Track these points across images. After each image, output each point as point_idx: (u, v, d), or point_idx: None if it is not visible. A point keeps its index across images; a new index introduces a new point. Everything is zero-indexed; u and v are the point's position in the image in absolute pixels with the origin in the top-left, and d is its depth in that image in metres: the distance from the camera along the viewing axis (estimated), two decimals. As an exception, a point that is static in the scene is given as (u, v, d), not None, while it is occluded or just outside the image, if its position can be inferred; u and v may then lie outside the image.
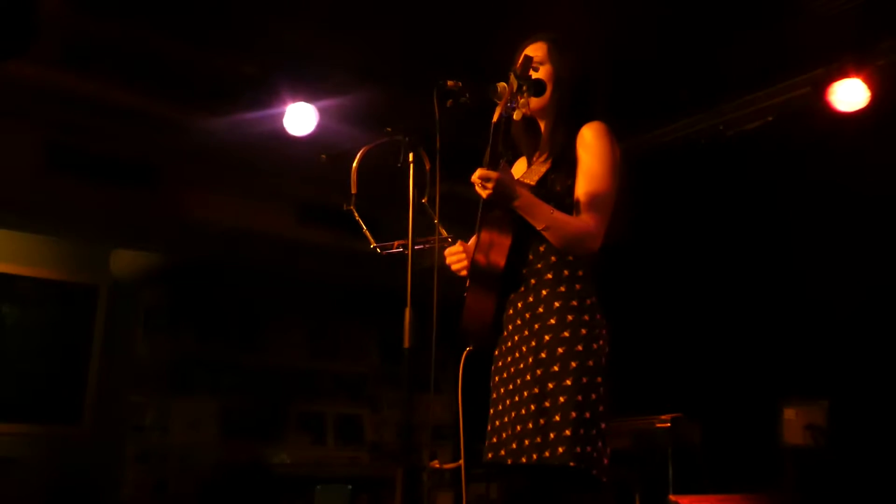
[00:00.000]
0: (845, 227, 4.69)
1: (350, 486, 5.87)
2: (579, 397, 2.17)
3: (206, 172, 5.61)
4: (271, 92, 4.64)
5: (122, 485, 5.87)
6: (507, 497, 2.39)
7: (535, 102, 2.38)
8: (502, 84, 2.32)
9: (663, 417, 4.62)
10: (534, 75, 2.30)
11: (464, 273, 2.47)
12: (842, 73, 4.34)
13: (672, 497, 4.10)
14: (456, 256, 2.50)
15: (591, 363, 2.21)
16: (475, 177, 2.21)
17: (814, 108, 4.52)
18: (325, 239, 5.85)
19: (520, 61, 2.25)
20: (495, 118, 2.25)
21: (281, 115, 4.72)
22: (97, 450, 5.75)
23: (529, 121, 2.49)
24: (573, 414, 2.15)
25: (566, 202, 2.31)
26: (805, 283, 4.86)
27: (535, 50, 2.47)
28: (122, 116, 4.91)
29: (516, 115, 2.26)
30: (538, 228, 2.26)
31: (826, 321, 4.71)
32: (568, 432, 2.13)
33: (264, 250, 6.14)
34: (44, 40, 4.11)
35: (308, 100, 4.70)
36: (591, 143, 2.35)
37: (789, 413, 4.83)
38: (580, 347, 2.22)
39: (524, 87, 2.24)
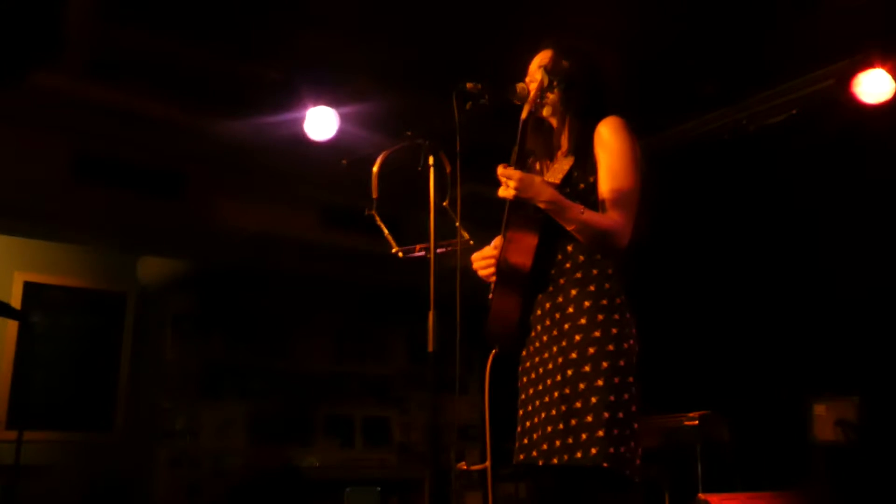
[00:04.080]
0: (873, 220, 4.63)
1: (379, 488, 5.89)
2: (611, 397, 2.16)
3: (230, 179, 5.66)
4: (293, 97, 4.66)
5: (155, 490, 5.93)
6: (538, 497, 2.38)
7: (552, 101, 2.38)
8: (521, 85, 2.32)
9: (692, 415, 4.58)
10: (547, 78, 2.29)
11: (492, 279, 2.44)
12: (867, 65, 4.29)
13: (701, 495, 4.06)
14: (485, 262, 2.47)
15: (622, 363, 2.20)
16: (499, 173, 2.21)
17: (839, 101, 4.46)
18: (349, 242, 5.86)
19: (549, 58, 2.26)
20: (524, 115, 2.24)
21: (302, 120, 4.75)
22: (129, 455, 5.82)
23: (543, 122, 2.48)
24: (606, 414, 2.13)
25: (591, 200, 2.30)
26: (833, 277, 4.80)
27: (544, 57, 2.45)
28: (149, 125, 4.96)
29: (545, 112, 2.26)
30: (568, 228, 2.25)
31: (855, 315, 4.65)
32: (601, 433, 2.12)
33: (289, 255, 6.17)
34: (71, 51, 4.17)
35: (329, 104, 4.72)
36: (609, 140, 2.33)
37: (819, 409, 4.78)
38: (611, 347, 2.20)
39: (554, 83, 2.24)
